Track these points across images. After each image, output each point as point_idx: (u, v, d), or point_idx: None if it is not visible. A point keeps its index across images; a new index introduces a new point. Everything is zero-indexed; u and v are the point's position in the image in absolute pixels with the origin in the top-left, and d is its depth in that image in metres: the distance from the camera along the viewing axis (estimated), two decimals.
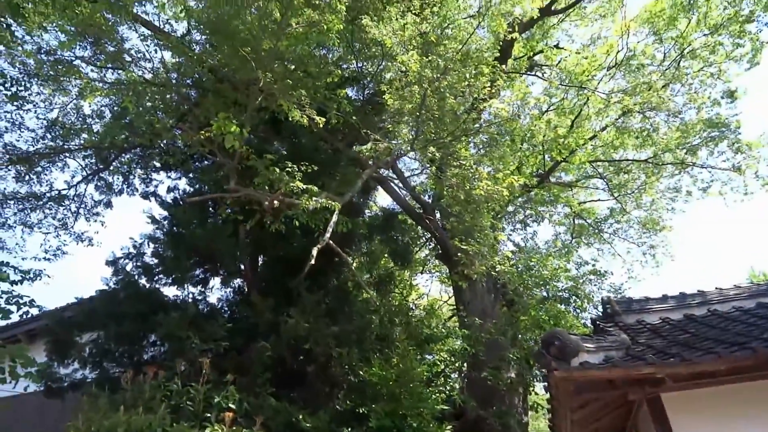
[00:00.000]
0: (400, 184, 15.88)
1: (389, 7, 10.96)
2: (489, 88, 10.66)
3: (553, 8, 17.24)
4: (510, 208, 19.90)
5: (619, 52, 19.70)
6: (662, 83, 19.22)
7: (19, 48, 14.67)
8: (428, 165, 13.05)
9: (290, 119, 10.15)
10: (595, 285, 19.27)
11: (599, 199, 22.90)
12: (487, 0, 12.33)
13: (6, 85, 15.53)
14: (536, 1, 15.95)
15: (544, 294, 17.15)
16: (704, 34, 19.24)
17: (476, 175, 10.25)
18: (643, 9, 20.08)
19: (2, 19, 14.61)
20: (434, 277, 24.24)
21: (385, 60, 11.53)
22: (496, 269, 12.91)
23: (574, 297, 17.46)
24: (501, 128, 12.76)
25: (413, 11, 11.12)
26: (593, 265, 20.32)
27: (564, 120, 19.58)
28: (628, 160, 21.04)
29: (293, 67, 11.16)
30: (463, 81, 10.22)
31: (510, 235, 21.21)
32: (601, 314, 10.17)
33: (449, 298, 22.88)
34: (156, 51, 11.98)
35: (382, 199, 24.26)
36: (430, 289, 25.21)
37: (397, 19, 10.83)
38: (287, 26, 9.57)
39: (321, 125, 10.64)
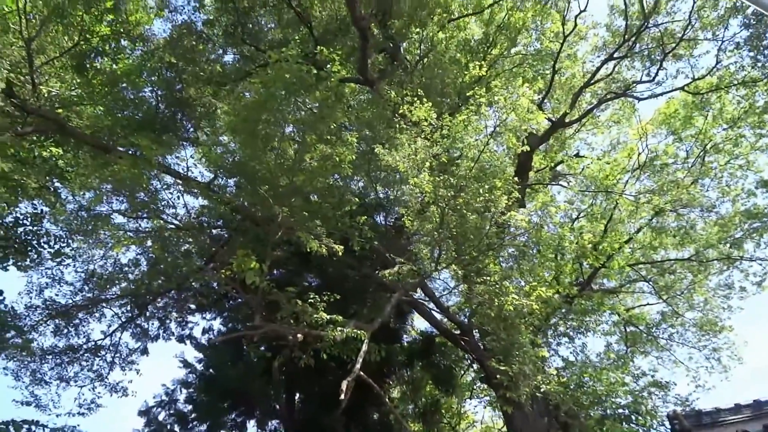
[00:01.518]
0: (433, 306, 15.46)
1: (400, 134, 11.37)
2: (507, 201, 10.62)
3: (566, 119, 17.64)
4: (552, 320, 19.00)
5: (640, 154, 19.73)
6: (690, 180, 18.96)
7: (63, 208, 15.67)
8: (458, 283, 12.75)
9: (309, 249, 10.20)
10: (658, 398, 17.66)
11: (648, 303, 21.72)
12: (498, 121, 12.70)
13: (50, 243, 16.38)
14: (548, 115, 16.37)
15: (602, 412, 15.70)
16: (723, 129, 19.22)
17: (503, 290, 9.87)
18: (657, 112, 20.38)
19: (49, 183, 15.81)
20: (483, 402, 22.76)
21: (400, 184, 11.74)
22: (542, 389, 11.99)
23: (635, 414, 15.90)
24: (527, 240, 12.52)
25: (424, 136, 11.51)
26: (653, 376, 18.75)
27: (596, 226, 19.23)
28: (670, 260, 20.20)
29: (313, 199, 11.47)
30: (479, 196, 10.23)
31: (556, 350, 20.04)
32: None
33: (503, 426, 21.27)
34: (180, 197, 12.55)
35: (420, 323, 23.63)
36: (483, 415, 23.57)
37: (409, 145, 11.17)
38: (302, 162, 9.96)
39: (341, 253, 10.65)
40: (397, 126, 12.13)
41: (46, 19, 11.95)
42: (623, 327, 21.73)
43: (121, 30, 12.35)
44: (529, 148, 12.61)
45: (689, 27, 16.95)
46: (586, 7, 17.11)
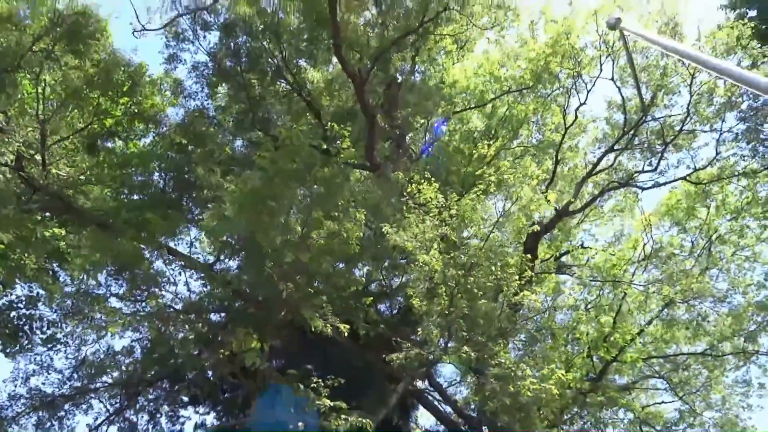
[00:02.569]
0: (440, 398, 14.65)
1: (407, 214, 11.30)
2: (518, 280, 10.32)
3: (570, 208, 17.68)
4: (566, 416, 17.95)
5: (645, 245, 19.58)
6: (698, 270, 18.67)
7: (60, 290, 15.29)
8: (468, 369, 12.12)
9: (314, 329, 9.77)
10: None
11: (663, 402, 20.65)
12: (506, 202, 12.71)
13: (43, 329, 15.83)
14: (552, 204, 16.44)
15: None
16: (727, 220, 19.21)
17: (519, 373, 9.32)
18: (660, 203, 20.48)
19: (48, 264, 15.54)
20: None
21: (408, 267, 11.49)
22: None
23: None
24: (539, 324, 12.07)
25: (432, 216, 11.42)
26: None
27: (605, 317, 18.72)
28: (683, 354, 19.45)
29: (318, 281, 11.18)
30: (490, 275, 9.95)
31: None
32: None
33: None
34: (182, 273, 12.25)
35: (425, 420, 22.36)
36: None
37: (416, 225, 11.06)
38: (308, 239, 9.80)
39: (346, 334, 10.19)
40: (404, 207, 12.09)
41: (63, 101, 12.29)
42: (639, 426, 20.54)
43: (135, 111, 12.65)
44: (539, 228, 12.49)
45: (687, 119, 17.42)
46: (585, 100, 17.70)
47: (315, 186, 10.37)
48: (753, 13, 20.54)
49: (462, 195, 15.07)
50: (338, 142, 10.44)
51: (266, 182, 9.81)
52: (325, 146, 9.82)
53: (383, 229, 11.02)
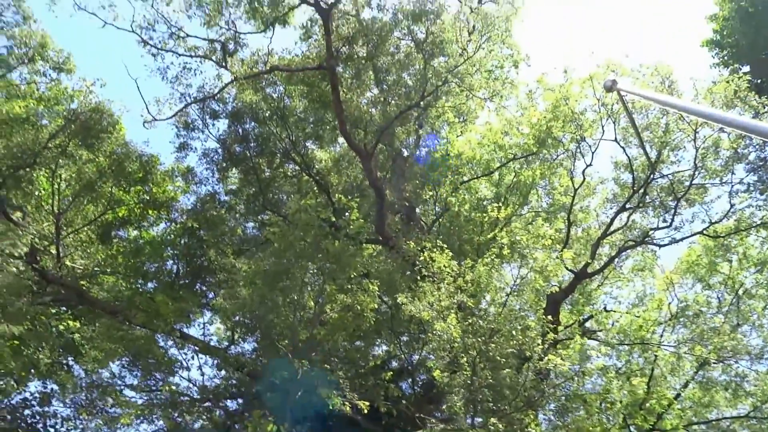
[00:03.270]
0: None
1: (421, 283, 11.10)
2: (542, 345, 9.93)
3: (588, 270, 17.34)
4: None
5: (670, 304, 18.99)
6: (729, 327, 17.96)
7: (74, 384, 14.97)
8: None
9: (333, 408, 9.35)
10: None
11: None
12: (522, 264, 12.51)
13: (57, 427, 15.36)
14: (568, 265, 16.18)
15: None
16: (752, 273, 18.70)
17: None
18: (680, 260, 20.05)
19: (62, 359, 15.32)
20: None
21: (426, 336, 11.16)
22: None
23: None
24: (568, 392, 11.49)
25: (446, 284, 11.20)
26: None
27: (639, 383, 17.85)
28: (726, 418, 18.33)
29: (334, 357, 10.86)
30: (512, 340, 9.60)
31: None
32: None
33: None
34: (195, 357, 11.97)
35: None
36: None
37: (431, 293, 10.83)
38: (322, 313, 9.60)
39: (367, 413, 9.74)
40: (418, 277, 11.91)
41: (77, 193, 12.59)
42: None
43: (147, 200, 12.89)
44: (557, 290, 12.18)
45: (696, 174, 17.36)
46: (591, 162, 17.80)
47: (326, 261, 10.28)
48: (746, 68, 21.02)
49: (476, 263, 14.90)
50: (347, 214, 10.47)
51: (277, 260, 9.76)
52: (333, 219, 9.83)
53: (398, 300, 10.80)
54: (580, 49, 17.42)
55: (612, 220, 18.47)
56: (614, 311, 21.15)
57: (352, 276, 10.41)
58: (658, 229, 18.33)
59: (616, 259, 19.37)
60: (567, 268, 17.00)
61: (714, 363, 17.73)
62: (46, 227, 13.33)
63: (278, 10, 14.79)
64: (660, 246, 18.55)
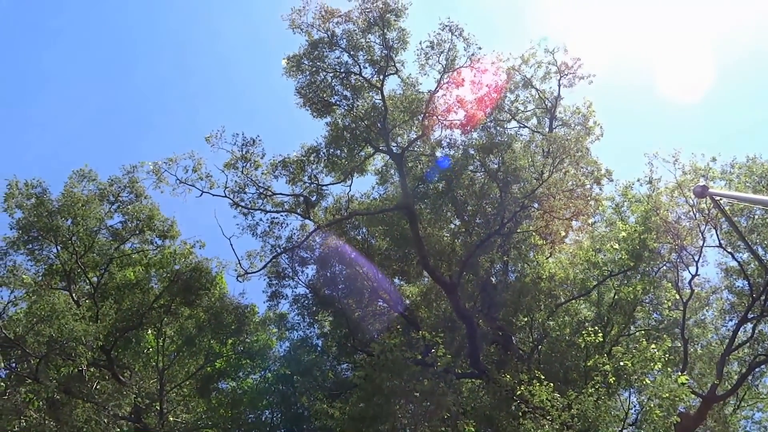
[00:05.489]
0: None
1: (522, 419, 10.24)
2: None
3: (717, 392, 15.41)
4: None
5: None
6: None
7: None
8: None
9: None
10: None
11: None
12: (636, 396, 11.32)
13: None
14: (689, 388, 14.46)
15: None
16: None
17: None
18: None
19: None
20: None
21: None
22: None
23: None
24: None
25: (549, 419, 10.27)
26: None
27: None
28: None
29: None
30: None
31: None
32: None
33: None
34: None
35: None
36: None
37: (535, 430, 9.93)
38: None
39: None
40: (519, 413, 11.05)
41: (179, 348, 13.24)
42: None
43: (242, 350, 13.29)
44: (678, 420, 10.78)
45: None
46: (697, 271, 16.55)
47: (416, 402, 9.84)
48: None
49: (581, 393, 13.66)
50: (432, 351, 10.17)
51: (366, 404, 9.49)
52: (420, 356, 9.55)
53: None
54: (663, 156, 16.87)
55: (735, 332, 16.62)
56: None
57: (446, 416, 9.84)
58: None
59: (749, 377, 17.10)
60: (692, 392, 15.17)
61: None
62: (152, 384, 13.95)
63: (355, 160, 15.89)
64: None
